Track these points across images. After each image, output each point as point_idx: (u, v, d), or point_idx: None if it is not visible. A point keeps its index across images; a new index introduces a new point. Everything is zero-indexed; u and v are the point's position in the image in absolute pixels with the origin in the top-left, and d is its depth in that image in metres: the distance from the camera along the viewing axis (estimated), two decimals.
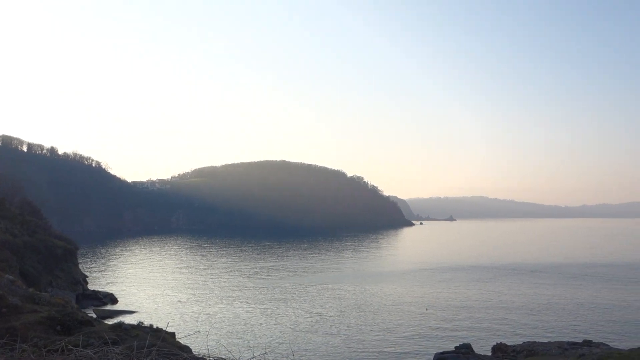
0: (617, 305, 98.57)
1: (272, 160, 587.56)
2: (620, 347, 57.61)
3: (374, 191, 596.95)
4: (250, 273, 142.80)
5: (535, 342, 59.32)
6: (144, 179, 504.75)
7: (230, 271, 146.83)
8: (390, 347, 67.59)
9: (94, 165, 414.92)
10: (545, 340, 62.10)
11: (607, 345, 59.70)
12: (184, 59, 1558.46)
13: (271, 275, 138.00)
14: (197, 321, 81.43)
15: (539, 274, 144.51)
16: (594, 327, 79.95)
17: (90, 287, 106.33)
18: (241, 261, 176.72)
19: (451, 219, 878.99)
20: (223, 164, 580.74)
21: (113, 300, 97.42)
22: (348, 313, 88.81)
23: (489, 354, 57.32)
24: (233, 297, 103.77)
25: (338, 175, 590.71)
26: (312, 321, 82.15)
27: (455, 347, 57.15)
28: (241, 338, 71.09)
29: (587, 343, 58.98)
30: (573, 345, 57.07)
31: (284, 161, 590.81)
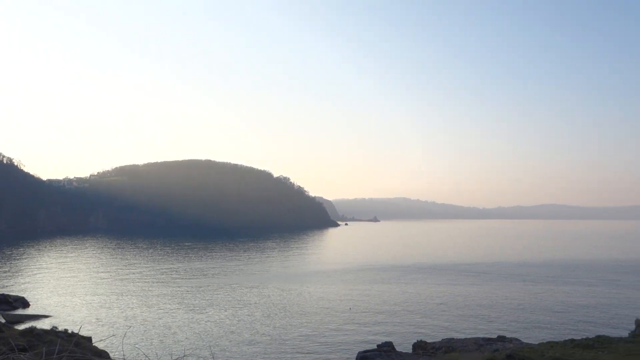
0: (529, 301, 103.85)
1: (197, 160, 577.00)
2: (531, 342, 60.71)
3: (300, 192, 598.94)
4: (173, 275, 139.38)
5: (453, 338, 61.42)
6: (60, 177, 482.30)
7: (152, 273, 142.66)
8: (314, 347, 67.89)
9: (5, 161, 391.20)
10: (463, 337, 64.47)
11: (519, 340, 62.79)
12: (106, 54, 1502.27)
13: (195, 277, 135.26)
14: (115, 325, 78.42)
15: (456, 273, 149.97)
16: (507, 323, 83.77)
17: None
18: (164, 262, 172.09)
19: (375, 219, 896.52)
20: (146, 162, 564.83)
21: (24, 304, 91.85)
22: (273, 314, 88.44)
23: (410, 351, 58.76)
24: (154, 299, 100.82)
25: (264, 175, 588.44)
26: (235, 323, 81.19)
27: (378, 346, 58.15)
28: (161, 341, 69.17)
29: (501, 339, 61.76)
30: (488, 341, 59.55)
31: (210, 160, 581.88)
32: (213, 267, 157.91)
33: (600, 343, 52.05)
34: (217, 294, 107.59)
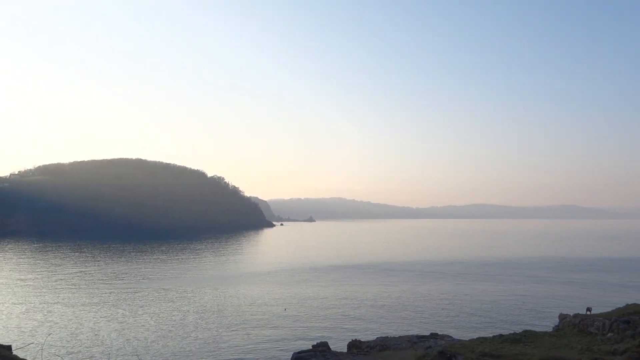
0: (460, 298, 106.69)
1: (127, 159, 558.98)
2: (462, 338, 62.02)
3: (235, 192, 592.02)
4: (102, 278, 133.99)
5: (387, 337, 61.80)
6: None
7: (79, 277, 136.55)
8: (249, 348, 66.76)
9: None
10: (397, 335, 65.05)
11: (451, 337, 63.96)
12: (25, 50, 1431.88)
13: (124, 280, 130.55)
14: (37, 332, 74.26)
15: (389, 272, 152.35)
16: (440, 320, 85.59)
17: None
18: (91, 266, 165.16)
19: (311, 219, 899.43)
20: (71, 161, 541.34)
21: None
22: (207, 317, 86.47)
23: (345, 350, 58.67)
24: (80, 305, 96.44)
25: (198, 175, 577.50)
26: (168, 327, 78.74)
27: (313, 346, 57.66)
28: (86, 348, 66.00)
29: (434, 336, 62.70)
30: (421, 338, 60.28)
31: (140, 159, 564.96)
32: (144, 270, 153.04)
33: (526, 338, 53.76)
34: (148, 298, 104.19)
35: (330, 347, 58.79)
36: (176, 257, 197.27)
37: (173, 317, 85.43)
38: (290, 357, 55.76)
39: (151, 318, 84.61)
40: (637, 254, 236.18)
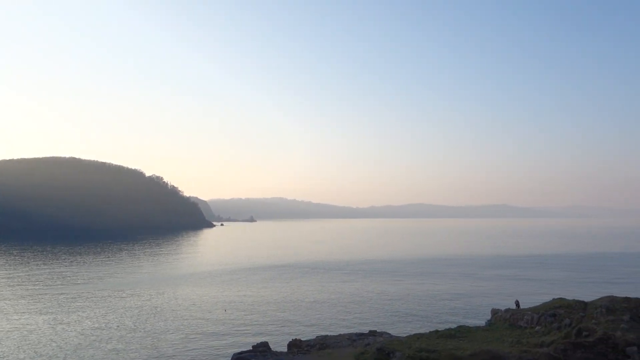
0: (398, 296, 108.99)
1: (60, 157, 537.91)
2: (400, 335, 63.54)
3: (174, 192, 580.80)
4: (32, 282, 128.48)
5: (327, 335, 62.50)
6: None
7: (6, 280, 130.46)
8: (188, 351, 65.85)
9: None
10: (336, 333, 65.88)
11: (389, 333, 65.42)
12: None
13: (57, 283, 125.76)
14: None
15: (329, 271, 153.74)
16: (378, 318, 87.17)
17: None
18: (21, 269, 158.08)
19: (252, 219, 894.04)
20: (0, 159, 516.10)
21: None
22: (144, 320, 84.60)
23: (285, 350, 58.94)
24: (10, 310, 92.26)
25: (135, 174, 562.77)
26: (103, 331, 76.49)
27: (253, 346, 57.65)
28: (15, 356, 63.29)
29: (373, 333, 63.95)
30: (360, 336, 61.36)
31: (74, 158, 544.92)
32: (77, 272, 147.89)
33: (461, 333, 55.74)
34: (81, 302, 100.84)
35: (271, 347, 58.95)
36: (111, 259, 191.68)
37: (108, 321, 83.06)
38: (230, 358, 55.58)
39: (85, 323, 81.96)
40: (562, 250, 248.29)
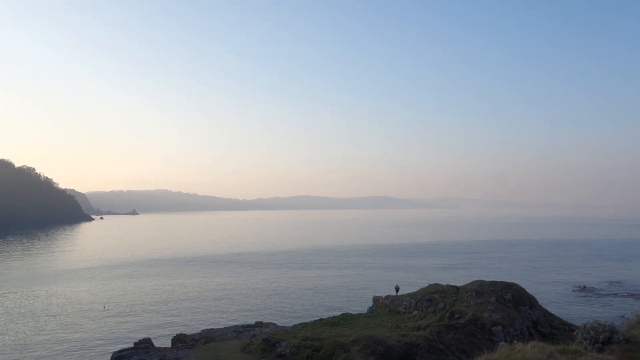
0: (283, 287, 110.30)
1: None
2: (286, 325, 64.50)
3: (48, 184, 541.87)
4: None
5: (213, 329, 62.03)
6: None
7: None
8: (64, 351, 62.29)
9: None
10: (222, 326, 65.55)
11: (275, 324, 66.23)
12: None
13: None
14: None
15: (213, 264, 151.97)
16: (264, 309, 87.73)
17: None
18: None
19: (134, 212, 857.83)
20: None
21: None
22: (16, 320, 78.68)
23: (170, 345, 57.69)
24: None
25: (3, 165, 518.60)
26: None
27: (135, 343, 55.88)
28: None
29: (259, 324, 64.38)
30: (246, 327, 61.54)
31: None
32: None
33: (344, 320, 57.77)
34: None
35: (154, 343, 57.45)
36: None
37: None
38: (110, 357, 53.39)
39: None
40: (437, 239, 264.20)
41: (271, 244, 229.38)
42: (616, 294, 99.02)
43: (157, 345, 56.61)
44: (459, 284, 65.27)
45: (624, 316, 60.01)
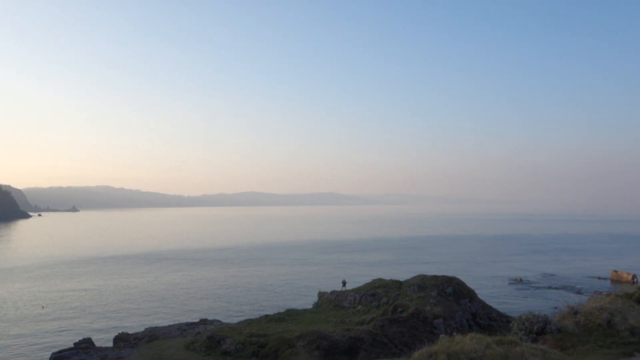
0: (228, 284, 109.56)
1: None
2: (231, 322, 64.16)
3: None
4: None
5: (156, 327, 60.98)
6: None
7: None
8: (3, 353, 59.85)
9: None
10: (166, 324, 64.53)
11: (220, 321, 65.72)
12: None
13: None
14: None
15: (158, 261, 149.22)
16: (209, 307, 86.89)
17: None
18: None
19: (74, 209, 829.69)
20: None
21: None
22: None
23: (111, 344, 56.39)
24: None
25: None
26: None
27: (75, 344, 54.32)
28: None
29: (204, 322, 63.74)
30: (191, 325, 60.83)
31: None
32: None
33: (289, 316, 58.07)
34: None
35: (95, 343, 56.02)
36: None
37: None
38: (49, 358, 51.73)
39: None
40: (382, 234, 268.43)
41: (216, 241, 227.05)
42: (550, 287, 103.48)
43: (99, 345, 55.25)
44: (402, 279, 66.69)
45: (556, 307, 62.81)
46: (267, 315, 58.87)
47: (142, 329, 62.30)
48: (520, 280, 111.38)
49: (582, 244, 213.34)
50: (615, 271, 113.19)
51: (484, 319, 56.80)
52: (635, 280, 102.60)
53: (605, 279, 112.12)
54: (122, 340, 55.77)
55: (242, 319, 63.87)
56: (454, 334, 20.96)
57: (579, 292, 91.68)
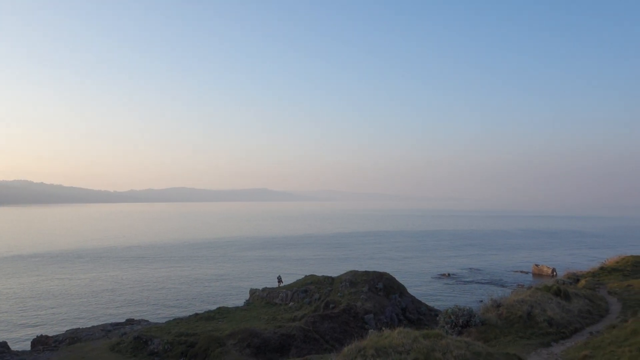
0: (156, 282, 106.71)
1: None
2: (159, 321, 62.51)
3: None
4: None
5: (79, 328, 58.48)
6: None
7: None
8: None
9: None
10: (90, 325, 62.04)
11: (148, 321, 63.91)
12: None
13: None
14: None
15: (79, 260, 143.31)
16: (136, 306, 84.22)
17: None
18: None
19: None
20: None
21: None
22: None
23: (29, 348, 53.63)
24: None
25: None
26: None
27: None
28: None
29: (130, 322, 61.80)
30: (116, 326, 58.83)
31: None
32: None
33: (220, 314, 57.19)
34: None
35: (11, 347, 53.08)
36: None
37: None
38: None
39: None
40: (313, 231, 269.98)
41: (143, 238, 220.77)
42: (475, 281, 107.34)
43: (15, 349, 52.35)
44: (334, 275, 67.21)
45: (481, 301, 65.28)
46: (196, 314, 57.77)
47: (62, 331, 59.63)
48: (449, 274, 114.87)
49: (508, 239, 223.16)
50: (537, 265, 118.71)
51: (413, 313, 58.10)
52: (555, 273, 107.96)
53: (527, 272, 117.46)
54: (41, 343, 53.15)
55: (171, 318, 62.38)
56: (384, 328, 21.33)
57: (503, 286, 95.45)
